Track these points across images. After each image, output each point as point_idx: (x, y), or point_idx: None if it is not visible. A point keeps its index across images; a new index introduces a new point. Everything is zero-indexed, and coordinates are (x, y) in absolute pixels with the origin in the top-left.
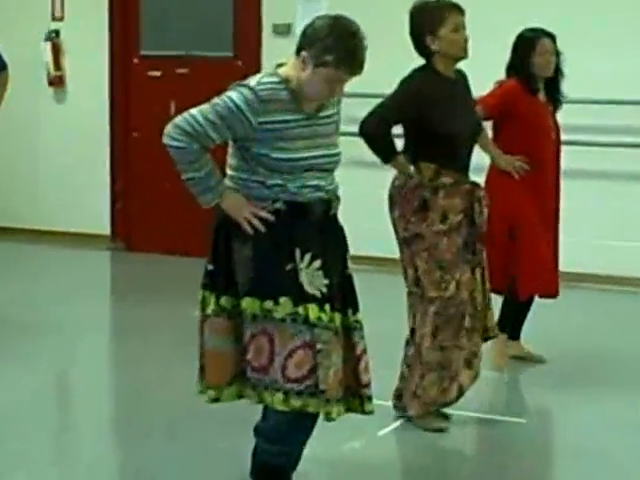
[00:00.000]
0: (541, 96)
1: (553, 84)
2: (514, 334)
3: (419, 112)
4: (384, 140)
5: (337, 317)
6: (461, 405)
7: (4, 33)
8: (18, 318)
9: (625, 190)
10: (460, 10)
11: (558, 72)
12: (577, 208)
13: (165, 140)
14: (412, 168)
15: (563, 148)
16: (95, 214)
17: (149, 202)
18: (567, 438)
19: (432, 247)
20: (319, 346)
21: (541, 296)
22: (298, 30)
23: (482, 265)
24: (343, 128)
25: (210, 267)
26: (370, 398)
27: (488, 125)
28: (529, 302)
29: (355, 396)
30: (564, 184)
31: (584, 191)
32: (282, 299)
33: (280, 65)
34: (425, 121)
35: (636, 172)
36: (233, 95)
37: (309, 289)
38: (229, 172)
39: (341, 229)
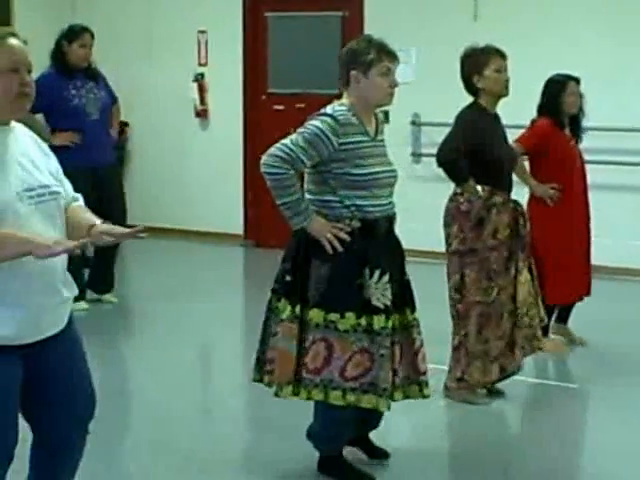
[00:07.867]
0: (567, 131)
1: (576, 121)
2: (564, 320)
3: (475, 141)
4: (457, 166)
5: (397, 318)
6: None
7: (162, 77)
8: (172, 301)
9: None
10: (502, 55)
11: (580, 111)
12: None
13: (263, 169)
14: (480, 190)
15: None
16: (231, 218)
17: (274, 208)
18: (613, 401)
19: (483, 260)
20: (382, 351)
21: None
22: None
23: (531, 266)
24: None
25: (288, 278)
26: (427, 384)
27: (525, 159)
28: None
29: (413, 383)
30: (594, 196)
31: (610, 202)
32: (348, 314)
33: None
34: (480, 149)
35: None
36: (316, 123)
37: (377, 302)
38: (308, 197)
39: (399, 241)
